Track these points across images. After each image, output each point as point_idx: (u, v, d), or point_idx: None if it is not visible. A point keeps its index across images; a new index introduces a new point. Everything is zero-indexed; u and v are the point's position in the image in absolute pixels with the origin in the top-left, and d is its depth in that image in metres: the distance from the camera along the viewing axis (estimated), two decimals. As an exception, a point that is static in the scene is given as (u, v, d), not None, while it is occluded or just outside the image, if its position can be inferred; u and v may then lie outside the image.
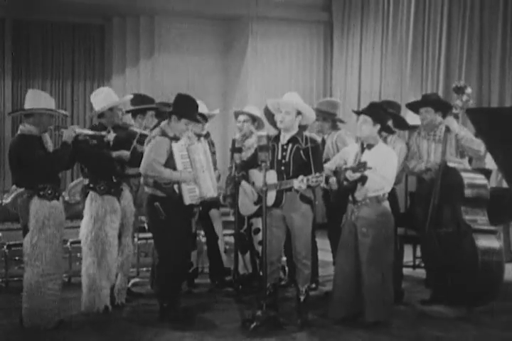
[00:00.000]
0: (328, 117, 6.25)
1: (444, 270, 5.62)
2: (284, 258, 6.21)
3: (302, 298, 5.39)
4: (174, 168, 5.24)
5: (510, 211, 6.49)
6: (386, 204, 5.26)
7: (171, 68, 10.58)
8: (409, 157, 5.97)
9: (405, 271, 6.54)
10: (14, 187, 5.32)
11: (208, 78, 10.82)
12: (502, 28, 8.47)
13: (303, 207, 5.34)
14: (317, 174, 5.06)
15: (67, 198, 6.23)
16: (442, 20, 9.05)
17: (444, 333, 5.15)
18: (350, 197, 5.29)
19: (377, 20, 10.11)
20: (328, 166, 5.57)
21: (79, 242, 5.74)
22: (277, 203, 5.32)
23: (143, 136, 5.62)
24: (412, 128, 6.40)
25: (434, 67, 9.16)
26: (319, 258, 6.50)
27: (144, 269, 7.00)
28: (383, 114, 5.37)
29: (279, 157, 5.37)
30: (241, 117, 6.49)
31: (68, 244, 6.52)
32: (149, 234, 6.38)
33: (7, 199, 6.24)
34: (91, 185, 5.54)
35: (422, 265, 6.73)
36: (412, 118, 6.65)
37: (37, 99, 5.19)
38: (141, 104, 6.16)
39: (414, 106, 6.06)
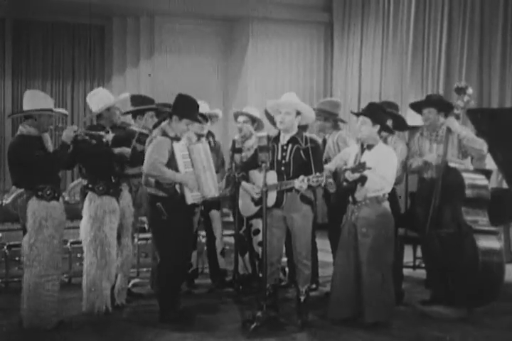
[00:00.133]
0: (330, 117, 6.25)
1: (445, 270, 5.61)
2: (285, 259, 6.21)
3: (302, 298, 5.38)
4: (175, 168, 5.23)
5: (511, 211, 6.49)
6: (386, 204, 5.25)
7: (171, 68, 10.58)
8: (409, 156, 5.97)
9: (405, 271, 6.53)
10: (14, 187, 5.32)
11: (208, 78, 10.83)
12: (502, 27, 8.48)
13: (303, 208, 5.34)
14: (318, 174, 5.06)
15: (67, 198, 6.23)
16: (443, 20, 9.06)
17: (445, 334, 5.14)
18: (350, 198, 5.29)
19: (378, 21, 10.11)
20: (328, 167, 5.57)
21: (79, 243, 5.74)
22: (278, 204, 5.32)
23: (142, 135, 5.62)
24: (412, 129, 6.39)
25: (435, 67, 9.16)
26: (319, 259, 6.50)
27: (144, 270, 6.99)
28: (382, 114, 5.37)
29: (279, 157, 5.36)
30: (240, 118, 6.49)
31: (68, 244, 6.52)
32: (149, 235, 6.39)
33: (7, 200, 6.26)
34: (90, 186, 5.53)
35: (422, 265, 6.73)
36: (411, 118, 6.65)
37: (35, 99, 5.18)
38: (141, 104, 6.15)
39: (417, 107, 6.06)
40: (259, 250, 5.98)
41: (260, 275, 5.45)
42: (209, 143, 6.05)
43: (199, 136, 6.21)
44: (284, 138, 5.39)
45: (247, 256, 6.41)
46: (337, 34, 10.82)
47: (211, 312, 5.68)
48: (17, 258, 6.48)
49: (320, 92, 10.92)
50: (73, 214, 5.94)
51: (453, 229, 5.60)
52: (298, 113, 5.38)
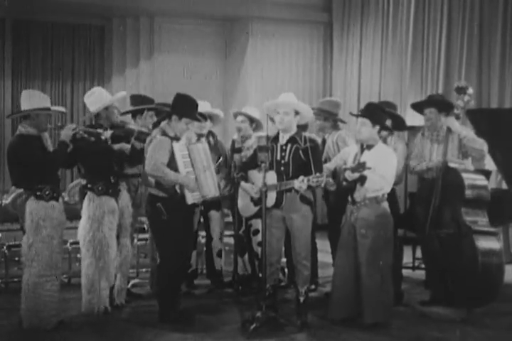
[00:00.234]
0: (330, 117, 6.25)
1: (445, 271, 5.61)
2: (284, 260, 6.21)
3: (302, 299, 5.38)
4: (175, 168, 5.23)
5: (510, 212, 6.49)
6: (385, 205, 5.25)
7: (170, 68, 10.58)
8: (410, 156, 5.97)
9: (405, 272, 6.54)
10: (14, 187, 5.32)
11: (208, 78, 10.82)
12: (502, 27, 8.48)
13: (303, 208, 5.33)
14: (318, 174, 5.05)
15: (66, 199, 6.23)
16: (442, 21, 9.05)
17: (444, 334, 5.16)
18: (349, 198, 5.29)
19: (377, 21, 10.11)
20: (328, 166, 5.58)
21: (79, 243, 5.73)
22: (277, 204, 5.32)
23: (140, 133, 5.61)
24: (411, 129, 6.40)
25: (434, 67, 9.16)
26: (319, 260, 6.50)
27: (144, 270, 6.99)
28: (381, 114, 5.36)
29: (278, 157, 5.36)
30: (239, 118, 6.49)
31: (68, 244, 6.52)
32: (149, 235, 6.39)
33: (7, 200, 6.26)
34: (89, 186, 5.52)
35: (422, 266, 6.73)
36: (410, 118, 6.65)
37: (31, 99, 5.16)
38: (141, 104, 6.16)
39: (418, 107, 6.06)
40: (259, 250, 5.98)
41: (260, 275, 5.45)
42: (208, 142, 6.05)
43: (199, 136, 6.22)
44: (283, 138, 5.39)
45: (246, 256, 6.41)
46: (336, 34, 10.81)
47: (211, 313, 5.68)
48: (17, 259, 6.49)
49: (319, 92, 10.92)
50: (73, 214, 5.94)
51: (453, 229, 5.60)
52: (296, 112, 5.38)
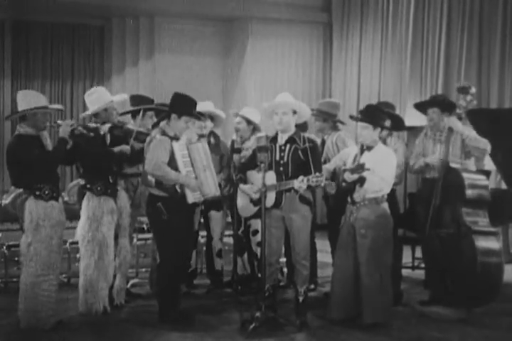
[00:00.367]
0: (329, 118, 6.24)
1: (444, 271, 5.61)
2: (283, 259, 6.20)
3: (301, 299, 5.37)
4: (175, 167, 5.24)
5: (509, 212, 6.49)
6: (385, 205, 5.25)
7: (170, 68, 10.58)
8: (411, 156, 5.97)
9: (404, 272, 6.54)
10: (13, 187, 5.31)
11: (208, 79, 10.82)
12: (501, 27, 8.47)
13: (302, 208, 5.33)
14: (317, 174, 5.05)
15: (66, 199, 6.22)
16: (442, 21, 9.05)
17: (444, 334, 5.15)
18: (349, 199, 5.29)
19: (377, 21, 10.11)
20: (327, 167, 5.57)
21: (78, 243, 5.73)
22: (277, 204, 5.31)
23: (139, 134, 5.61)
24: (410, 129, 6.39)
25: (434, 67, 9.15)
26: (318, 259, 6.50)
27: (143, 270, 6.99)
28: (381, 116, 5.35)
29: (277, 158, 5.35)
30: (237, 119, 6.46)
31: (67, 244, 6.51)
32: (148, 235, 6.39)
33: (7, 200, 6.24)
34: (88, 186, 5.53)
35: (421, 266, 6.73)
36: (410, 118, 6.65)
37: (27, 99, 5.16)
38: (141, 104, 6.15)
39: (421, 107, 6.06)
40: (258, 250, 5.98)
41: (259, 275, 5.45)
42: (208, 142, 6.05)
43: (200, 136, 6.21)
44: (282, 139, 5.39)
45: (245, 256, 6.41)
46: (336, 34, 10.81)
47: (210, 313, 5.68)
48: (16, 259, 6.48)
49: (319, 92, 10.92)
50: (72, 214, 5.94)
51: (453, 229, 5.60)
52: (294, 112, 5.38)
